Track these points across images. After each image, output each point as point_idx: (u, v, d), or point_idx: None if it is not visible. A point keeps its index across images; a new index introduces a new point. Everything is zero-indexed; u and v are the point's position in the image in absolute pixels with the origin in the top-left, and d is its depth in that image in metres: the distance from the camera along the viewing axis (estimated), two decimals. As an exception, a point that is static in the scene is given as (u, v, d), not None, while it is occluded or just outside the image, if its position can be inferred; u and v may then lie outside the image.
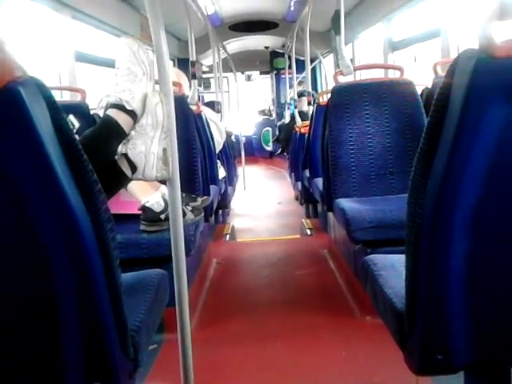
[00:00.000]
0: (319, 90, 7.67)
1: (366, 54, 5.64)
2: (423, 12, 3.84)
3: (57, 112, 0.78)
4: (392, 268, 1.17)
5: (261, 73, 10.28)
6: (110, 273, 0.84)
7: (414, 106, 2.40)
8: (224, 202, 3.94)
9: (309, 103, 4.41)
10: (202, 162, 2.59)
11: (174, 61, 6.61)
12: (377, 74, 4.20)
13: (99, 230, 0.81)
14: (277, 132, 8.42)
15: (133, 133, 1.19)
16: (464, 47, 0.82)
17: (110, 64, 3.95)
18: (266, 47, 8.93)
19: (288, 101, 7.27)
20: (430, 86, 2.67)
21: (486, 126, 0.78)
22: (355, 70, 2.82)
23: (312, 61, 6.09)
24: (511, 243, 0.84)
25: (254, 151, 9.69)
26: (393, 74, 3.86)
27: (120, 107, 1.18)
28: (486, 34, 0.74)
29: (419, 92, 2.54)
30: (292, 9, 6.43)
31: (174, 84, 2.50)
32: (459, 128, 0.78)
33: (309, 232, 3.92)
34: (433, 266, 0.85)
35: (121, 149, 1.19)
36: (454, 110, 0.78)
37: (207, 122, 3.14)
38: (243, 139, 7.47)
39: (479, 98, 0.76)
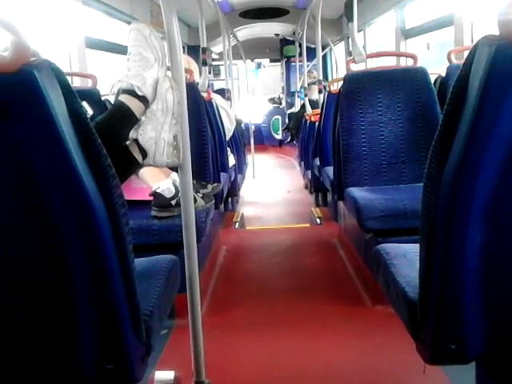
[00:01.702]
0: (329, 78, 7.61)
1: (378, 42, 5.58)
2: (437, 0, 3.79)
3: (71, 96, 0.78)
4: (404, 257, 1.17)
5: (271, 60, 10.21)
6: (123, 258, 0.85)
7: (427, 95, 2.38)
8: (233, 190, 3.94)
9: (319, 91, 4.38)
10: (212, 149, 2.59)
11: (184, 48, 6.58)
12: (387, 63, 4.16)
13: (113, 214, 0.82)
14: (286, 120, 8.38)
15: (143, 118, 1.19)
16: (478, 35, 0.80)
17: (121, 50, 3.95)
18: (277, 34, 8.86)
19: (298, 89, 7.22)
20: (443, 75, 2.64)
21: (504, 114, 0.76)
22: (368, 57, 2.79)
23: (323, 48, 6.05)
24: (528, 233, 0.83)
25: (264, 139, 9.67)
26: (405, 63, 3.83)
27: (131, 93, 1.18)
28: (507, 20, 0.72)
29: (433, 80, 2.51)
30: (303, -5, 6.37)
31: (185, 71, 2.49)
32: (477, 116, 0.77)
33: (318, 221, 3.92)
34: (447, 255, 0.84)
35: (132, 134, 1.19)
36: (472, 98, 0.77)
37: (217, 110, 3.13)
38: (253, 127, 7.45)
39: (498, 85, 0.75)
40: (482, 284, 0.85)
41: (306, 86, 5.56)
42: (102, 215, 0.79)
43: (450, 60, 2.62)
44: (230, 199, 4.34)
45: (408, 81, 2.41)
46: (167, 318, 1.17)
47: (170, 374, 1.64)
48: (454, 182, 0.81)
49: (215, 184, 2.42)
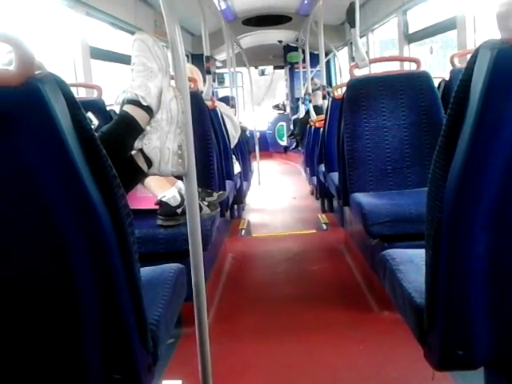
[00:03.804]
0: (333, 84, 7.62)
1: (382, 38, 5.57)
2: (441, 4, 3.79)
3: (76, 108, 0.78)
4: (411, 263, 1.16)
5: (275, 67, 10.23)
6: (129, 267, 0.85)
7: (431, 99, 2.37)
8: (239, 197, 3.94)
9: (323, 97, 4.38)
10: (217, 157, 2.60)
11: (187, 56, 6.62)
12: (390, 68, 4.16)
13: (118, 224, 0.82)
14: (291, 127, 8.38)
15: (148, 128, 1.20)
16: (481, 39, 0.80)
17: (125, 60, 3.98)
18: (280, 41, 8.88)
19: (302, 95, 7.22)
20: (447, 78, 2.64)
21: (507, 118, 0.76)
22: (371, 62, 2.79)
23: (326, 54, 6.05)
24: (534, 237, 0.83)
25: (269, 146, 9.67)
26: (408, 68, 3.83)
27: (136, 103, 1.19)
28: (508, 24, 0.72)
29: (436, 84, 2.51)
30: (305, 2, 6.38)
31: (189, 79, 2.50)
32: (480, 120, 0.77)
33: (324, 227, 3.91)
34: (453, 260, 0.84)
35: (137, 144, 1.20)
36: (475, 102, 0.77)
37: (222, 118, 3.14)
38: (257, 134, 7.46)
39: (500, 88, 0.75)
40: (488, 289, 0.85)
41: (310, 92, 5.56)
42: (108, 225, 0.80)
43: (453, 64, 2.62)
44: (235, 206, 4.34)
45: (411, 85, 2.41)
46: (174, 326, 1.17)
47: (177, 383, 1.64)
48: (458, 186, 0.81)
49: (221, 192, 2.42)
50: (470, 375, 1.01)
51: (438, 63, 4.57)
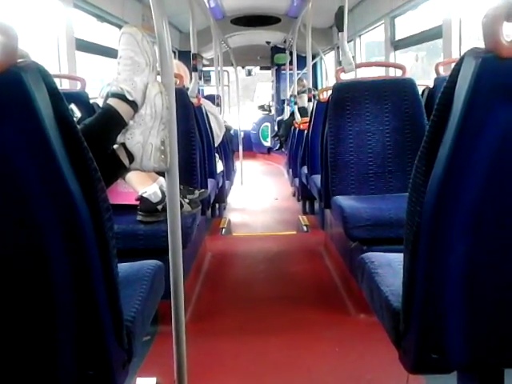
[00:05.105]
0: (319, 87, 7.66)
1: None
2: (429, 13, 3.83)
3: (58, 98, 0.77)
4: (389, 266, 1.17)
5: (261, 68, 10.25)
6: (106, 262, 0.84)
7: (414, 106, 2.40)
8: (221, 196, 3.93)
9: (309, 99, 4.40)
10: (200, 155, 2.59)
11: (174, 53, 6.58)
12: (375, 74, 4.20)
13: (97, 218, 0.81)
14: (275, 128, 8.40)
15: (131, 122, 1.19)
16: (466, 47, 0.81)
17: (111, 53, 3.94)
18: (268, 42, 8.89)
19: (288, 97, 7.24)
20: (431, 86, 2.67)
21: (488, 127, 0.77)
22: (357, 67, 2.81)
23: (313, 57, 6.08)
24: (511, 244, 0.84)
25: (253, 146, 9.68)
26: (393, 74, 3.86)
27: (121, 97, 1.17)
28: (492, 33, 0.73)
29: (420, 91, 2.54)
30: (295, 4, 6.40)
31: (175, 76, 2.49)
32: (462, 127, 0.78)
33: (305, 228, 3.93)
34: (431, 265, 0.85)
35: (119, 138, 1.19)
36: (458, 109, 0.78)
37: (207, 115, 3.13)
38: (241, 134, 7.46)
39: (483, 97, 0.76)
40: (464, 294, 0.86)
41: (296, 94, 5.58)
42: (86, 219, 0.79)
43: (437, 72, 2.66)
44: (217, 205, 4.33)
45: (396, 91, 2.43)
46: (150, 324, 1.16)
47: (151, 381, 1.63)
48: (438, 192, 0.82)
49: (202, 190, 2.41)
50: (444, 379, 1.03)
51: (422, 70, 4.62)
